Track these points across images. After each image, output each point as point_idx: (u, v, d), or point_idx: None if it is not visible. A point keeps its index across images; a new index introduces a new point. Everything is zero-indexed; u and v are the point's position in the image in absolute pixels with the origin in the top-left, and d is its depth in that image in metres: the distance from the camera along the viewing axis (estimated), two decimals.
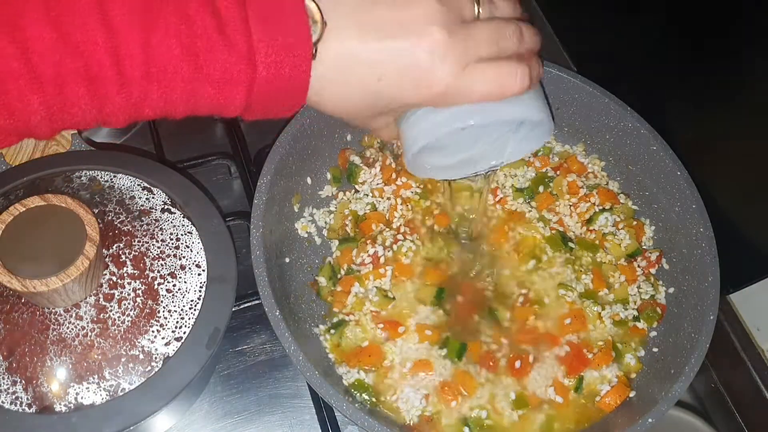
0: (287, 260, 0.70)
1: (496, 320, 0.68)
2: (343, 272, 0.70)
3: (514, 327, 0.68)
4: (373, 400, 0.64)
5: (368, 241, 0.70)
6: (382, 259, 0.69)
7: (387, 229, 0.71)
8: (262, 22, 0.41)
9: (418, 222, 0.73)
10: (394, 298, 0.67)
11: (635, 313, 0.69)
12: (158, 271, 0.59)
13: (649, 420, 0.59)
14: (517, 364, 0.65)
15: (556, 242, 0.72)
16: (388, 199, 0.74)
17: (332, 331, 0.67)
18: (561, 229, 0.73)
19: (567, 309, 0.69)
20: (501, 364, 0.66)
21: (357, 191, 0.74)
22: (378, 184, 0.74)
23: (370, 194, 0.74)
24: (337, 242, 0.72)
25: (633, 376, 0.67)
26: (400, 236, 0.71)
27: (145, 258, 0.59)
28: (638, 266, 0.72)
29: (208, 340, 0.58)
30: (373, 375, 0.65)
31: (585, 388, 0.66)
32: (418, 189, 0.74)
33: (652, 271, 0.72)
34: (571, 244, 0.72)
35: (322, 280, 0.70)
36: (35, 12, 0.39)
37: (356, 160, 0.75)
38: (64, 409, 0.55)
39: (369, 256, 0.69)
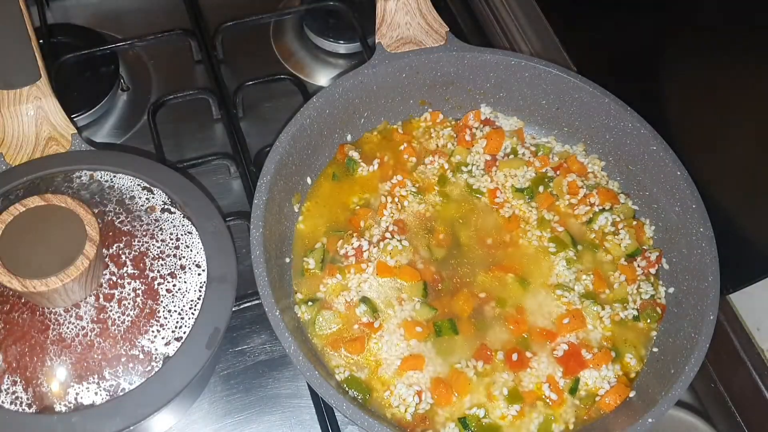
0: (287, 260, 0.70)
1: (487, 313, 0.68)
2: (327, 261, 0.70)
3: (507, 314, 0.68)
4: (366, 396, 0.64)
5: (355, 234, 0.70)
6: (365, 254, 0.69)
7: (376, 226, 0.72)
8: None
9: (408, 222, 0.73)
10: (379, 312, 0.68)
11: (635, 312, 0.69)
12: (158, 271, 0.59)
13: (649, 420, 0.59)
14: (514, 357, 0.66)
15: (562, 242, 0.72)
16: (383, 195, 0.74)
17: (309, 303, 0.67)
18: (561, 228, 0.73)
19: (565, 309, 0.69)
20: (498, 357, 0.66)
21: (352, 184, 0.75)
22: (374, 179, 0.75)
23: (365, 190, 0.74)
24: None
25: (633, 375, 0.67)
26: (388, 234, 0.71)
27: (145, 258, 0.59)
28: (638, 266, 0.72)
29: (208, 340, 0.58)
30: (366, 371, 0.65)
31: (582, 389, 0.66)
32: (413, 188, 0.74)
33: (652, 270, 0.72)
34: (579, 247, 0.72)
35: (311, 262, 0.70)
36: None
37: (355, 155, 0.75)
38: (63, 409, 0.55)
39: (353, 248, 0.69)
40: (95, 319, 0.56)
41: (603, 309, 0.69)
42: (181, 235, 0.62)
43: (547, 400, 0.65)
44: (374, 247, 0.70)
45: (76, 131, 0.69)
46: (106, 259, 0.58)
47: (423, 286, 0.68)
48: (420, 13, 0.77)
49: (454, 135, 0.78)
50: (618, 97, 0.73)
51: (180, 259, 0.60)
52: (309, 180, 0.74)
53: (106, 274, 0.58)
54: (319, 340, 0.66)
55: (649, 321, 0.69)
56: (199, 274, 0.60)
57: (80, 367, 0.55)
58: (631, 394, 0.65)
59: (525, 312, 0.68)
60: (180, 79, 0.91)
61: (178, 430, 0.69)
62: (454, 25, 0.81)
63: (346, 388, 0.64)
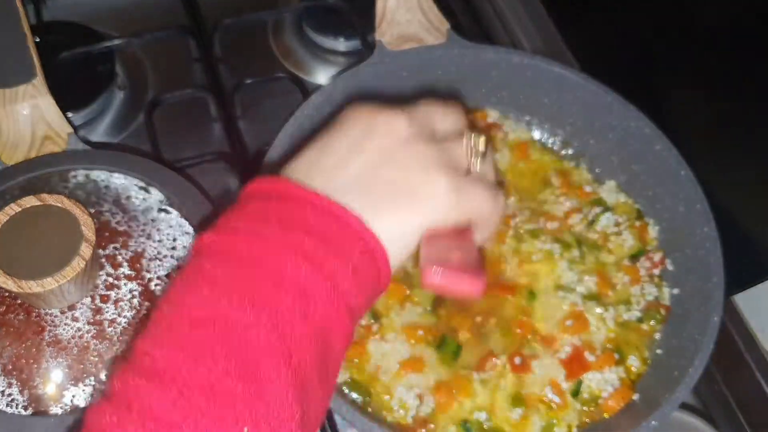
0: None
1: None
2: None
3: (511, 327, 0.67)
4: (366, 399, 0.63)
5: None
6: None
7: None
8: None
9: None
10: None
11: (639, 314, 0.69)
12: (155, 272, 0.59)
13: (653, 423, 0.58)
14: (517, 360, 0.65)
15: (567, 243, 0.71)
16: None
17: None
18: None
19: (567, 311, 0.68)
20: (500, 361, 0.65)
21: None
22: None
23: None
24: None
25: (636, 378, 0.67)
26: None
27: (141, 259, 0.59)
28: (641, 267, 0.71)
29: None
30: (366, 374, 0.64)
31: (585, 392, 0.65)
32: None
33: (656, 272, 0.71)
34: (583, 247, 0.72)
35: None
36: None
37: None
38: (60, 411, 0.54)
39: None
40: (91, 320, 0.56)
41: (606, 311, 0.68)
42: (178, 235, 0.62)
43: (550, 404, 0.64)
44: None
45: (72, 130, 0.69)
46: (102, 260, 0.58)
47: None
48: (421, 10, 0.77)
49: None
50: (621, 96, 0.73)
51: (177, 260, 0.60)
52: None
53: (102, 275, 0.57)
54: None
55: (652, 323, 0.68)
56: None
57: (76, 368, 0.55)
58: (635, 397, 0.65)
59: (530, 315, 0.68)
60: (177, 77, 0.91)
61: None
62: (455, 21, 0.80)
63: (346, 391, 0.63)
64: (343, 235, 0.40)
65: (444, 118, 0.48)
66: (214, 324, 0.37)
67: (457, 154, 0.46)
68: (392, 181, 0.43)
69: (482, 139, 0.47)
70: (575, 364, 0.65)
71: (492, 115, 0.79)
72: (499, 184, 0.48)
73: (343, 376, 0.64)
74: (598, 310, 0.68)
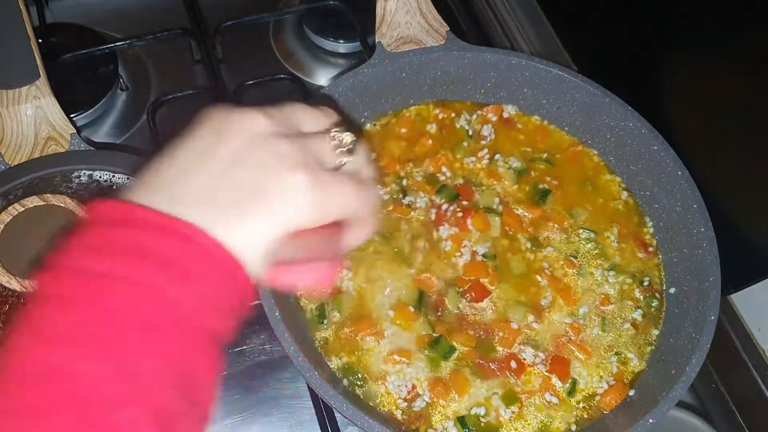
0: None
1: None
2: None
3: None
4: (359, 384, 0.64)
5: None
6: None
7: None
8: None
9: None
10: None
11: (641, 311, 0.70)
12: None
13: (650, 420, 0.59)
14: (513, 364, 0.65)
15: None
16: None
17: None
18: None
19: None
20: (494, 366, 0.66)
21: None
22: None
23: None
24: None
25: (633, 376, 0.67)
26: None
27: None
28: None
29: None
30: (358, 356, 0.65)
31: (581, 390, 0.65)
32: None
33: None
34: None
35: None
36: None
37: None
38: None
39: None
40: None
41: (605, 333, 0.69)
42: None
43: (547, 401, 0.64)
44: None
45: (75, 131, 0.69)
46: None
47: (417, 291, 0.68)
48: (420, 13, 0.77)
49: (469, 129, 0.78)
50: (619, 97, 0.73)
51: None
52: None
53: None
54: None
55: (648, 312, 0.69)
56: None
57: None
58: (631, 393, 0.65)
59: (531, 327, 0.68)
60: (179, 78, 0.91)
61: None
62: (454, 24, 0.80)
63: (340, 376, 0.64)
64: (189, 254, 0.37)
65: (310, 118, 0.44)
66: (58, 379, 0.33)
67: (320, 150, 0.42)
68: (243, 184, 0.39)
69: (348, 135, 0.44)
70: (557, 366, 0.66)
71: (509, 110, 0.79)
72: (373, 180, 0.45)
73: (337, 362, 0.65)
74: (602, 332, 0.69)
